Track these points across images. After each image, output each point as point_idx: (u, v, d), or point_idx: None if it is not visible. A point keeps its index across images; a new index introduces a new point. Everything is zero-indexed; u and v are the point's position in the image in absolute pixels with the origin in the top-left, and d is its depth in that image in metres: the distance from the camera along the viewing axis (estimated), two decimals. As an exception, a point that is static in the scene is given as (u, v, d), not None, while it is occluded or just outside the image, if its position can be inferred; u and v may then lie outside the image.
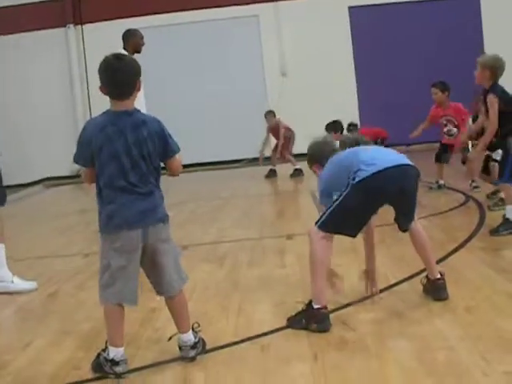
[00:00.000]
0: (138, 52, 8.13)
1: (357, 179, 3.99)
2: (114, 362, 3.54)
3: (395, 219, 4.33)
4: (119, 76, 3.50)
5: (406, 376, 3.20)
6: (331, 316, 4.08)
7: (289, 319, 4.14)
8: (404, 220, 4.30)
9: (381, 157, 4.10)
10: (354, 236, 4.17)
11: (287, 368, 3.46)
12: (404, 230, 4.35)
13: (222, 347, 3.84)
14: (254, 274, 5.54)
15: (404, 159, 4.17)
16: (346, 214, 4.04)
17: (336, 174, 4.21)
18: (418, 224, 4.39)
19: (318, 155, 4.55)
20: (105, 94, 3.55)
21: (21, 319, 4.93)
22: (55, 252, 7.62)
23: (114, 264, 3.52)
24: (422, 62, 16.07)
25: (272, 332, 4.02)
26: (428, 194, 9.04)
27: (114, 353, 3.56)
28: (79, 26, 18.14)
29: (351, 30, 16.40)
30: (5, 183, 5.83)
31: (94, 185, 3.61)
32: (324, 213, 4.11)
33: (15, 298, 5.49)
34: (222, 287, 5.22)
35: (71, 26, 18.02)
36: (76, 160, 3.59)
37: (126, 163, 3.47)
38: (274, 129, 13.63)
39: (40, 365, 3.87)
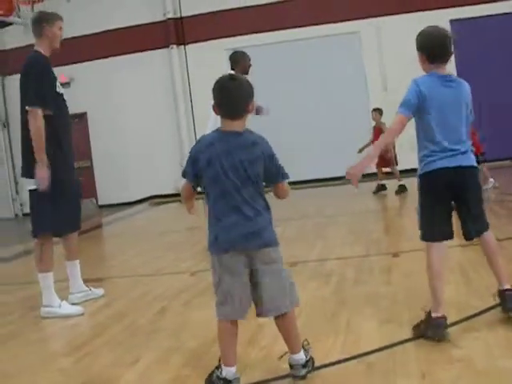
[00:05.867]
0: (246, 73, 8.28)
1: (420, 171, 4.22)
2: (227, 381, 3.56)
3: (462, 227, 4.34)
4: (232, 96, 3.55)
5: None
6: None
7: (413, 327, 4.23)
8: (469, 226, 4.29)
9: (450, 142, 4.12)
10: (451, 238, 4.24)
11: (394, 386, 3.45)
12: (469, 239, 4.36)
13: (329, 365, 3.86)
14: (360, 292, 5.54)
15: (464, 158, 4.16)
16: (430, 215, 4.20)
17: (426, 109, 4.14)
18: (491, 233, 4.34)
19: (424, 43, 4.30)
20: (217, 113, 3.62)
21: (130, 335, 5.05)
22: (162, 270, 7.80)
23: (222, 282, 3.58)
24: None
25: (379, 350, 4.01)
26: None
27: (227, 371, 3.58)
28: (182, 47, 18.59)
29: (453, 43, 16.16)
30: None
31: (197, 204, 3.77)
32: None
33: (123, 315, 5.68)
34: (329, 304, 5.24)
35: (174, 46, 18.49)
36: (183, 173, 3.68)
37: (233, 183, 3.51)
38: (378, 130, 13.57)
39: (148, 381, 3.99)
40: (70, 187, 5.98)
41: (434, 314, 4.10)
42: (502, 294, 4.30)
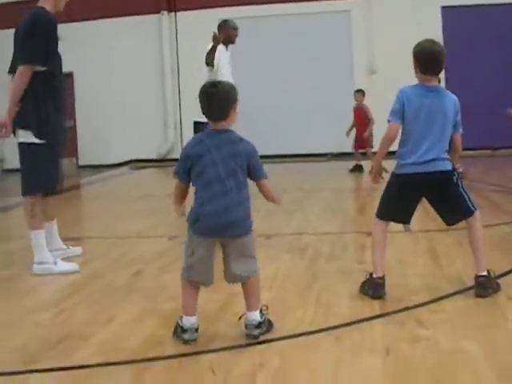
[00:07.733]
0: (232, 42, 8.34)
1: (394, 170, 4.64)
2: (183, 329, 3.88)
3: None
4: (214, 103, 3.82)
5: (476, 378, 3.25)
6: (405, 313, 4.25)
7: (360, 286, 4.77)
8: (446, 216, 4.70)
9: (421, 149, 4.47)
10: (404, 222, 4.79)
11: (359, 360, 3.56)
12: (448, 225, 4.79)
13: (298, 335, 3.96)
14: (333, 267, 5.64)
15: (434, 165, 4.48)
16: (389, 203, 4.69)
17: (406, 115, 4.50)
18: (477, 221, 4.62)
19: (419, 55, 4.53)
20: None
21: (105, 295, 5.10)
22: (140, 233, 7.84)
23: (195, 256, 3.86)
24: None
25: (348, 324, 4.11)
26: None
27: (185, 320, 3.89)
28: (173, 13, 18.52)
29: (443, 30, 16.23)
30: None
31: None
32: None
33: (100, 275, 5.76)
34: (302, 278, 5.34)
35: (165, 12, 18.42)
36: (175, 173, 3.95)
37: (220, 174, 3.77)
38: (358, 110, 13.77)
39: (123, 339, 4.05)
40: (60, 149, 6.03)
41: (374, 275, 4.66)
42: (475, 279, 4.58)
